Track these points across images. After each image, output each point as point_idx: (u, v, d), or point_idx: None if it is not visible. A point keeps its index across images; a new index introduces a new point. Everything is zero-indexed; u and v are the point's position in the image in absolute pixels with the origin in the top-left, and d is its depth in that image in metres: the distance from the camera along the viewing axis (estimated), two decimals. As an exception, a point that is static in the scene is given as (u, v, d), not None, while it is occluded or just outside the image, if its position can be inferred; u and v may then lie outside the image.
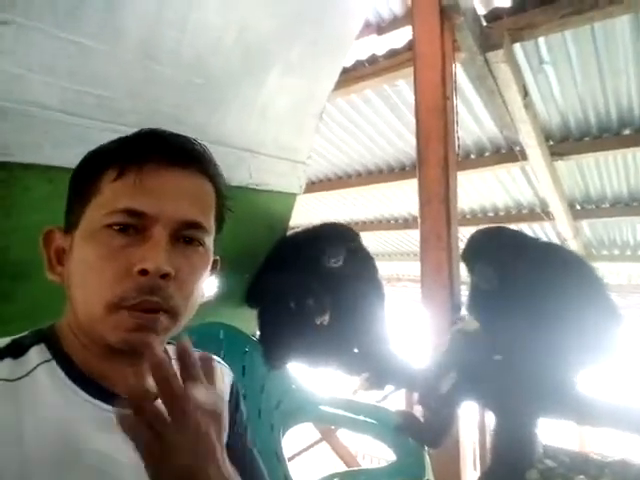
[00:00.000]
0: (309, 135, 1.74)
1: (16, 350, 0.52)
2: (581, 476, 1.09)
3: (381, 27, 3.27)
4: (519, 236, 1.40)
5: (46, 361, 0.52)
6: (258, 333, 1.74)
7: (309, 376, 1.73)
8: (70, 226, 0.55)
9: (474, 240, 1.43)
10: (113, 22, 1.03)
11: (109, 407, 0.51)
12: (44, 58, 0.97)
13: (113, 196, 0.51)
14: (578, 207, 3.50)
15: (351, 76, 2.32)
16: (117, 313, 0.49)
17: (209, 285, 0.65)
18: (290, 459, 2.07)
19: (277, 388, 1.63)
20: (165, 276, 0.49)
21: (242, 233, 1.68)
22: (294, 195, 1.83)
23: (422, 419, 1.39)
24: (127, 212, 0.50)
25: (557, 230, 3.63)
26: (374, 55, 2.29)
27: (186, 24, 1.14)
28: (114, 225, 0.50)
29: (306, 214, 4.50)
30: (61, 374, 0.52)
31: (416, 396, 1.41)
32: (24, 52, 0.93)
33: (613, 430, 1.22)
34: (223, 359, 0.73)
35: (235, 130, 1.45)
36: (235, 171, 1.52)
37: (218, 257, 0.64)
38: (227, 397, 0.67)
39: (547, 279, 1.19)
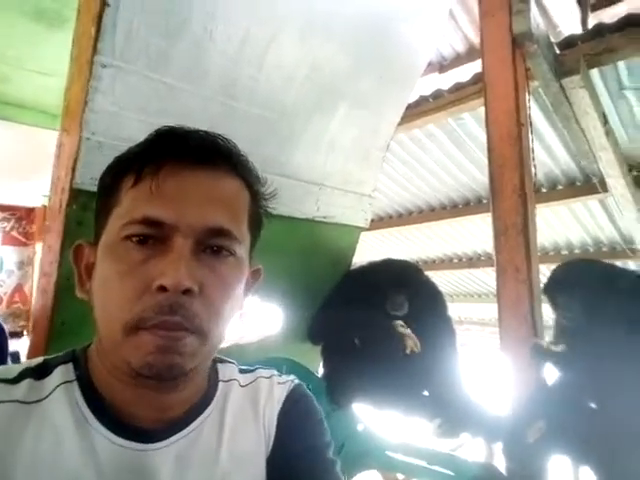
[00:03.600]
0: (375, 168, 1.75)
1: (41, 371, 0.49)
2: None
3: (443, 65, 3.31)
4: (608, 267, 1.28)
5: (68, 381, 0.49)
6: (322, 370, 1.69)
7: (376, 419, 1.63)
8: (96, 239, 0.50)
9: (557, 272, 1.32)
10: (199, 63, 1.11)
11: (122, 441, 0.47)
12: (137, 97, 1.05)
13: (130, 205, 0.46)
14: (668, 243, 3.17)
15: (415, 111, 2.32)
16: (136, 334, 0.44)
17: (250, 300, 0.58)
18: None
19: (341, 429, 1.54)
20: (187, 291, 0.43)
21: (308, 267, 1.68)
22: (359, 229, 1.82)
23: (505, 472, 1.25)
24: (144, 222, 0.45)
25: (643, 270, 3.31)
26: (438, 90, 2.29)
27: (263, 62, 1.20)
28: (133, 237, 0.45)
29: (367, 252, 4.46)
30: (79, 397, 0.48)
31: (499, 446, 1.27)
32: (120, 92, 1.02)
33: None
34: None
35: (303, 163, 1.47)
36: (302, 204, 1.54)
37: (260, 266, 0.57)
38: (277, 405, 0.58)
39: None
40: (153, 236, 0.45)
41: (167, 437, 0.49)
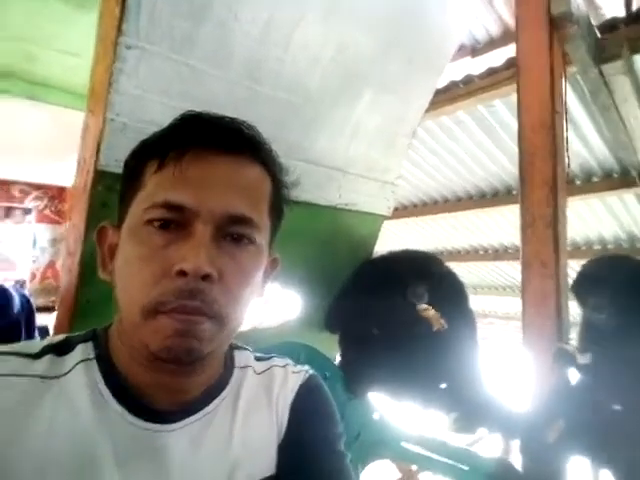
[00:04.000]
0: (399, 155, 1.71)
1: (63, 348, 0.50)
2: None
3: (476, 49, 3.19)
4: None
5: (88, 359, 0.50)
6: (339, 358, 1.69)
7: (393, 409, 1.62)
8: (120, 222, 0.51)
9: (588, 268, 1.27)
10: (224, 46, 1.10)
11: (138, 421, 0.47)
12: (161, 80, 1.05)
13: (154, 189, 0.47)
14: None
15: (444, 97, 2.25)
16: (155, 318, 0.44)
17: (269, 288, 0.57)
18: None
19: (357, 418, 1.54)
20: (207, 277, 0.44)
21: (329, 254, 1.67)
22: (382, 217, 1.79)
23: (522, 470, 1.23)
24: (166, 206, 0.45)
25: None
26: (469, 75, 2.21)
27: (289, 43, 1.17)
28: (154, 221, 0.46)
29: (391, 241, 4.41)
30: (98, 375, 0.49)
31: (516, 444, 1.25)
32: (144, 74, 1.01)
33: None
34: None
35: (327, 148, 1.45)
36: (325, 190, 1.52)
37: (277, 256, 0.57)
38: (291, 395, 0.59)
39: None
40: (175, 221, 0.46)
41: (181, 419, 0.50)
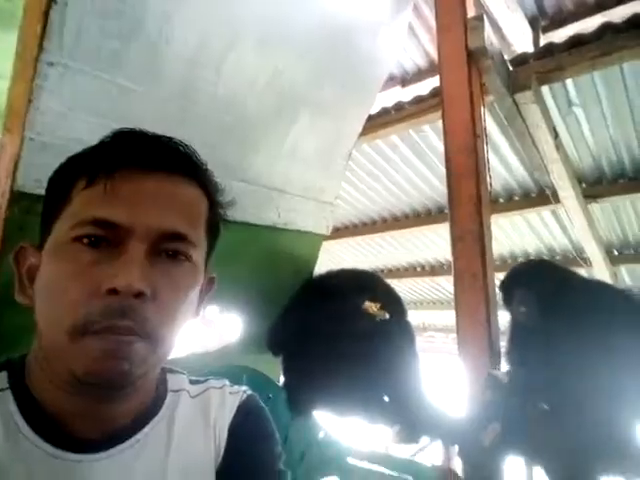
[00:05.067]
0: (336, 176, 1.76)
1: None
2: None
3: (405, 79, 3.39)
4: (564, 268, 1.34)
5: (1, 390, 0.46)
6: (282, 379, 1.67)
7: (336, 427, 1.62)
8: (42, 242, 0.48)
9: (515, 269, 1.36)
10: (153, 65, 1.09)
11: (59, 452, 0.44)
12: (86, 98, 1.01)
13: (82, 206, 0.45)
14: (615, 252, 3.35)
15: (377, 122, 2.37)
16: (82, 339, 0.41)
17: (207, 309, 0.56)
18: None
19: (301, 439, 1.53)
20: (140, 295, 0.42)
21: (267, 274, 1.66)
22: (321, 236, 1.82)
23: (462, 475, 1.27)
24: (96, 223, 0.43)
25: (594, 276, 3.47)
26: (400, 102, 2.34)
27: (222, 65, 1.18)
28: (83, 238, 0.43)
29: (331, 261, 4.47)
30: (12, 405, 0.45)
31: (455, 449, 1.29)
32: (68, 92, 0.98)
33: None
34: None
35: (264, 169, 1.47)
36: (264, 210, 1.53)
37: (214, 275, 0.56)
38: (229, 415, 0.57)
39: (599, 315, 1.10)
40: (105, 239, 0.44)
41: (109, 448, 0.47)
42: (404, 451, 1.51)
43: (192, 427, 0.55)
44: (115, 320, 0.41)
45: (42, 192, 0.89)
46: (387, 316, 1.38)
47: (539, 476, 1.34)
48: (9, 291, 0.50)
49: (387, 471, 1.39)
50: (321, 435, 1.55)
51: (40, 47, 0.91)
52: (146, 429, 0.50)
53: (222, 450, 0.55)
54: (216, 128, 1.26)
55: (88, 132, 1.01)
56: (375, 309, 1.40)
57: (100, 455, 0.46)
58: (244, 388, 0.63)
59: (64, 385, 0.45)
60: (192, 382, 0.60)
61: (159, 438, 0.51)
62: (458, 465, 1.30)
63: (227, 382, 0.62)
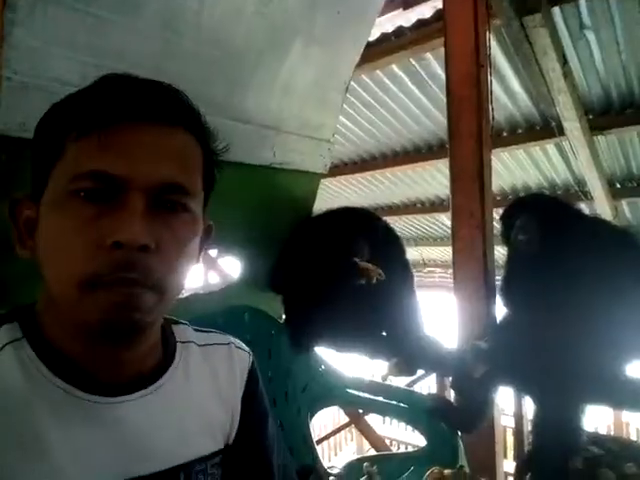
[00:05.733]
0: (333, 111, 1.68)
1: None
2: (630, 464, 1.01)
3: (407, 1, 3.15)
4: (564, 200, 1.33)
5: (16, 340, 0.47)
6: (284, 316, 1.71)
7: (337, 360, 1.69)
8: (36, 194, 0.47)
9: (516, 200, 1.36)
10: (131, -8, 1.00)
11: (85, 395, 0.46)
12: (62, 31, 0.94)
13: (77, 158, 0.44)
14: (618, 185, 3.31)
15: (376, 51, 2.23)
16: (92, 293, 0.42)
17: (204, 253, 0.56)
18: (318, 442, 2.06)
19: (304, 371, 1.60)
20: (144, 248, 0.42)
21: (266, 214, 1.65)
22: (319, 175, 1.78)
23: (455, 403, 1.34)
24: (93, 176, 0.43)
25: (595, 211, 3.46)
26: (401, 27, 2.19)
27: (205, -8, 1.09)
28: (80, 192, 0.43)
29: (331, 199, 4.44)
30: (30, 353, 0.46)
31: (449, 380, 1.36)
32: (42, 25, 0.91)
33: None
34: (248, 343, 0.68)
35: (257, 106, 1.40)
36: (258, 150, 1.48)
37: (211, 222, 0.57)
38: (243, 383, 0.61)
39: (598, 247, 1.10)
40: (103, 191, 0.43)
41: (132, 392, 0.49)
42: (401, 383, 1.59)
43: (203, 377, 0.58)
44: (122, 273, 0.42)
45: (29, 136, 0.86)
46: (383, 276, 1.39)
47: (529, 407, 1.42)
48: (6, 241, 0.50)
49: (385, 400, 1.47)
50: (322, 368, 1.62)
51: (6, -25, 0.83)
52: (166, 375, 0.53)
53: (237, 421, 0.59)
54: (203, 62, 1.19)
55: (69, 70, 0.96)
56: (370, 267, 1.40)
57: (124, 398, 0.48)
58: (247, 349, 0.65)
59: (78, 333, 0.47)
60: (196, 330, 0.62)
61: (178, 384, 0.54)
62: (451, 395, 1.37)
63: (231, 338, 0.65)
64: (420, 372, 1.67)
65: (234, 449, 0.59)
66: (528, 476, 1.06)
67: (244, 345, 0.66)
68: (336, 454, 5.28)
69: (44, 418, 0.44)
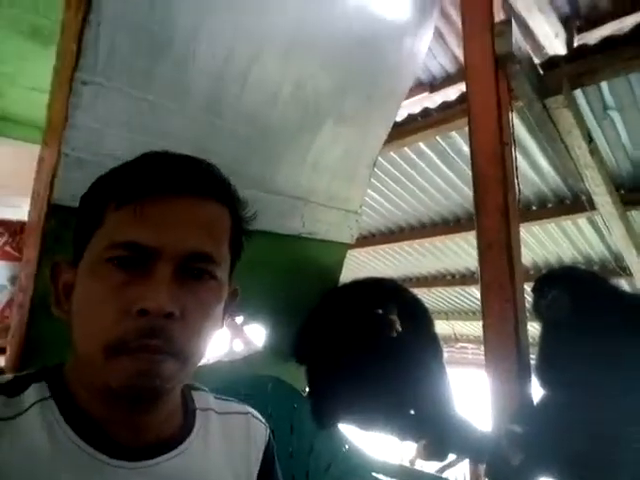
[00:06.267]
0: (361, 185, 1.75)
1: (13, 388, 0.48)
2: None
3: (433, 85, 3.35)
4: (596, 273, 1.29)
5: (44, 399, 0.48)
6: (307, 389, 1.66)
7: (362, 440, 1.60)
8: (76, 259, 0.51)
9: (548, 272, 1.33)
10: (182, 81, 1.12)
11: (106, 458, 0.46)
12: (119, 114, 1.06)
13: (114, 228, 0.48)
14: (658, 261, 3.18)
15: (404, 130, 2.35)
16: (117, 358, 0.44)
17: (229, 318, 0.58)
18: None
19: (327, 449, 1.52)
20: (169, 315, 0.45)
21: (293, 284, 1.67)
22: (346, 245, 1.81)
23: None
24: (127, 246, 0.46)
25: (635, 286, 3.30)
26: (427, 109, 2.32)
27: (246, 80, 1.21)
28: (114, 259, 0.46)
29: (359, 270, 4.45)
30: (57, 413, 0.47)
31: (483, 467, 1.25)
32: (102, 109, 1.02)
33: None
34: (270, 415, 0.68)
35: (288, 180, 1.48)
36: (288, 219, 1.54)
37: (237, 287, 0.59)
38: (259, 456, 0.61)
39: (636, 325, 1.04)
40: (135, 259, 0.46)
41: (152, 457, 0.50)
42: (430, 467, 1.47)
43: (220, 446, 0.58)
44: (146, 340, 0.44)
45: (77, 205, 0.93)
46: (399, 328, 1.36)
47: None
48: (47, 299, 0.53)
49: (412, 486, 1.36)
50: (346, 447, 1.53)
51: (75, 65, 0.95)
52: (187, 442, 0.54)
53: None
54: (240, 141, 1.29)
55: (121, 147, 1.06)
56: (392, 322, 1.38)
57: (145, 463, 0.49)
58: (264, 422, 0.65)
59: (101, 396, 0.48)
60: (216, 398, 0.63)
61: (198, 451, 0.54)
62: (486, 483, 1.25)
63: (250, 409, 0.65)
64: (452, 457, 1.54)
65: None
66: None
67: (262, 417, 0.65)
68: None
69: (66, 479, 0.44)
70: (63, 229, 1.00)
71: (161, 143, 1.14)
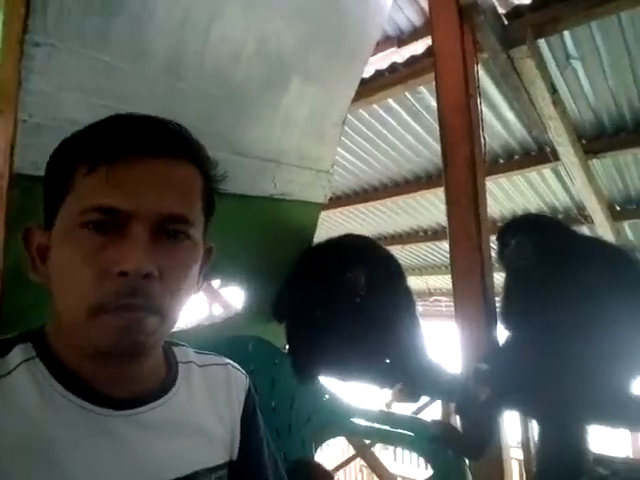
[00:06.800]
0: (332, 144, 1.75)
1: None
2: (639, 486, 1.00)
3: (401, 39, 3.29)
4: (559, 221, 1.35)
5: (30, 358, 0.50)
6: (287, 346, 1.72)
7: (342, 389, 1.68)
8: (48, 223, 0.52)
9: (511, 220, 1.38)
10: (139, 42, 1.08)
11: (96, 408, 0.49)
12: (74, 77, 1.01)
13: (86, 192, 0.48)
14: (618, 208, 3.34)
15: (372, 86, 2.33)
16: (99, 317, 0.46)
17: (205, 276, 0.60)
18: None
19: (308, 402, 1.59)
20: (148, 276, 0.46)
21: (268, 245, 1.69)
22: (319, 205, 1.83)
23: (461, 430, 1.33)
24: (101, 210, 0.46)
25: (596, 233, 3.47)
26: (394, 64, 2.29)
27: (207, 38, 1.17)
28: (89, 223, 0.47)
29: (332, 229, 4.49)
30: (44, 371, 0.49)
31: (453, 406, 1.34)
32: (56, 72, 0.98)
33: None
34: (252, 372, 0.71)
35: (258, 140, 1.46)
36: (259, 181, 1.54)
37: (212, 244, 0.60)
38: (241, 404, 0.64)
39: (595, 267, 1.11)
40: (110, 223, 0.47)
41: (139, 406, 0.52)
42: (406, 409, 1.57)
43: (203, 395, 0.61)
44: (127, 299, 0.46)
45: (40, 174, 0.91)
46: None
47: (534, 429, 1.40)
48: (16, 271, 0.53)
49: (390, 429, 1.45)
50: (326, 398, 1.61)
51: (25, 28, 0.90)
52: (171, 392, 0.57)
53: (237, 439, 0.62)
54: (205, 101, 1.26)
55: (79, 112, 1.02)
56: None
57: (133, 411, 0.52)
58: (244, 372, 0.69)
59: (86, 353, 0.50)
60: (196, 352, 0.66)
61: (182, 400, 0.57)
62: (457, 420, 1.35)
63: (228, 360, 0.68)
64: (425, 399, 1.65)
65: (237, 466, 0.60)
66: (536, 500, 1.04)
67: (241, 368, 0.68)
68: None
69: (58, 432, 0.47)
70: (27, 198, 0.98)
71: (121, 107, 1.12)
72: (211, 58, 1.21)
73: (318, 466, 1.36)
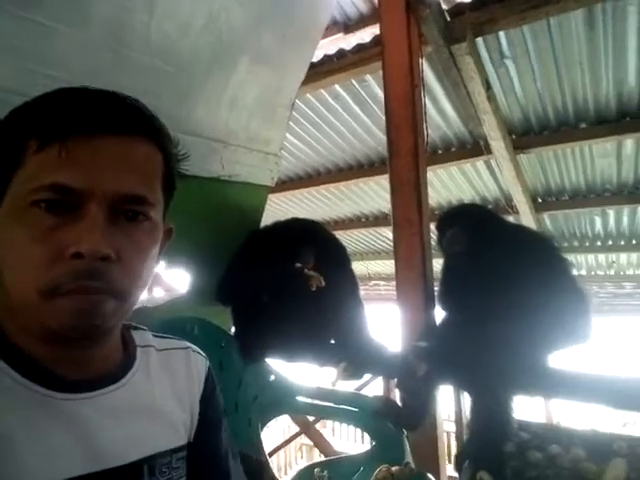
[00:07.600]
0: (280, 126, 1.75)
1: None
2: (554, 445, 1.13)
3: (348, 26, 3.31)
4: (491, 211, 1.46)
5: None
6: (233, 328, 1.72)
7: (288, 369, 1.72)
8: None
9: (449, 209, 1.47)
10: (79, 4, 1.01)
11: (52, 392, 0.47)
12: (8, 38, 0.93)
13: (37, 170, 0.44)
14: (540, 200, 3.64)
15: (320, 71, 2.34)
16: (53, 300, 0.44)
17: (162, 257, 0.58)
18: (270, 455, 2.05)
19: (254, 382, 1.61)
20: (105, 258, 0.44)
21: (214, 226, 1.66)
22: (266, 188, 1.82)
23: (400, 403, 1.41)
24: (53, 188, 0.44)
25: (520, 221, 3.77)
26: (342, 50, 2.32)
27: (154, 7, 1.12)
28: (41, 202, 0.44)
29: (277, 214, 4.48)
30: None
31: (394, 382, 1.42)
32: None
33: (582, 401, 1.28)
34: None
35: (206, 120, 1.43)
36: (207, 162, 1.51)
37: (171, 225, 0.59)
38: (201, 386, 0.64)
39: (519, 252, 1.22)
40: (63, 202, 0.44)
41: (96, 389, 0.51)
42: (349, 386, 1.64)
43: (163, 379, 0.60)
44: (84, 281, 0.44)
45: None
46: (323, 283, 1.45)
47: (466, 401, 1.52)
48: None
49: (334, 405, 1.52)
50: (272, 378, 1.64)
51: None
52: (128, 375, 0.55)
53: (196, 420, 0.62)
54: (151, 75, 1.21)
55: (14, 78, 0.94)
56: (312, 274, 1.46)
57: (88, 394, 0.50)
58: (204, 355, 0.68)
59: (40, 336, 0.47)
60: (155, 336, 0.64)
61: (140, 383, 0.56)
62: (396, 395, 1.44)
63: (189, 344, 0.67)
64: (367, 377, 1.73)
65: (194, 447, 0.61)
66: (466, 463, 1.14)
67: (201, 350, 0.68)
68: (286, 473, 5.21)
69: (10, 418, 0.44)
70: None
71: (61, 75, 1.05)
72: (158, 29, 1.17)
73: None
